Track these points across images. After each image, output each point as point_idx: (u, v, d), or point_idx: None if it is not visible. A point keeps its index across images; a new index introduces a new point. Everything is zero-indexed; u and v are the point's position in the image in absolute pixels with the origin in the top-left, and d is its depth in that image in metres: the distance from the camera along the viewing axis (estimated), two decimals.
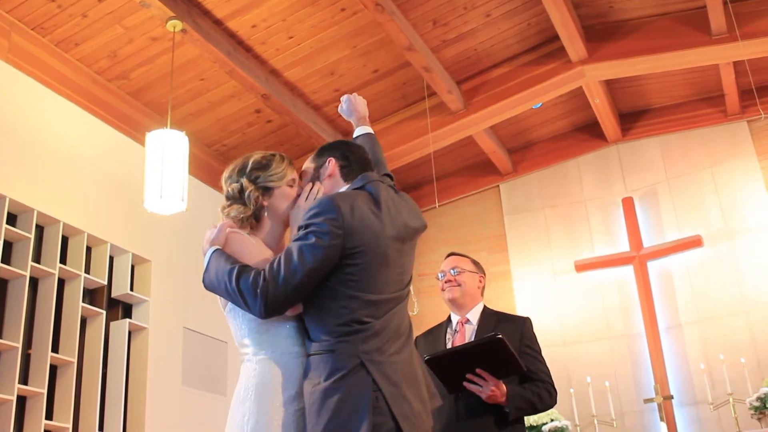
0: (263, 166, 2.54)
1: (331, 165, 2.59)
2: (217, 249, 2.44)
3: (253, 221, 2.54)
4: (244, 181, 2.52)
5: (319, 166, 2.62)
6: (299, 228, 2.37)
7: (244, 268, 2.32)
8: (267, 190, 2.52)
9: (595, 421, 6.61)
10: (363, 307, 2.31)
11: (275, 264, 2.30)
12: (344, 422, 2.19)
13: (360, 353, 2.26)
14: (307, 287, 2.29)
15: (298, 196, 2.56)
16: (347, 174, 2.58)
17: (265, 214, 2.54)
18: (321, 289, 2.33)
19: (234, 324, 2.45)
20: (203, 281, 2.45)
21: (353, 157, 2.62)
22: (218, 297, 2.50)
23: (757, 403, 5.89)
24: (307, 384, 2.29)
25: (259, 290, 2.26)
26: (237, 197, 2.53)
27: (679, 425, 6.62)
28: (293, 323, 2.39)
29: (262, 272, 2.29)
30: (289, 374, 2.33)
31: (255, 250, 2.46)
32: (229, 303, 2.44)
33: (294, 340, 2.38)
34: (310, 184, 2.58)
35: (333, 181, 2.58)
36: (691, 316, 6.96)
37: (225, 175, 2.59)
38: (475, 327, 3.51)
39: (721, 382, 6.35)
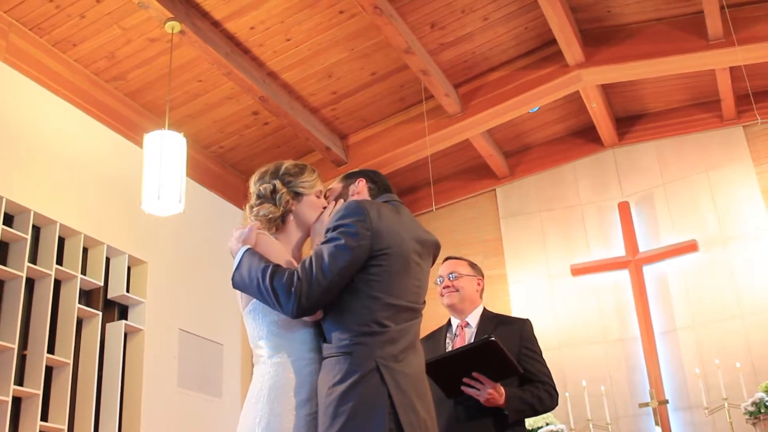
0: (296, 172, 2.66)
1: (361, 184, 2.72)
2: (249, 248, 2.49)
3: (279, 223, 2.62)
4: (277, 182, 2.62)
5: (348, 185, 2.75)
6: (327, 230, 2.45)
7: (278, 268, 2.39)
8: (297, 195, 2.63)
9: (591, 425, 6.61)
10: (382, 309, 2.37)
11: (307, 264, 2.37)
12: (359, 428, 2.21)
13: (376, 357, 2.30)
14: (337, 287, 2.36)
15: (324, 210, 2.66)
16: (374, 195, 2.71)
17: (291, 218, 2.63)
18: (343, 289, 2.39)
19: (253, 325, 2.50)
20: (233, 278, 2.49)
21: (380, 182, 2.76)
22: (239, 297, 2.55)
23: (752, 408, 5.89)
24: (321, 386, 2.33)
25: (293, 289, 2.31)
26: (268, 197, 2.62)
27: (674, 430, 6.62)
28: (310, 329, 2.45)
29: (296, 272, 2.35)
30: (303, 379, 2.37)
31: (281, 253, 2.53)
32: (250, 304, 2.49)
33: (310, 345, 2.43)
34: (334, 202, 2.70)
35: (360, 198, 2.67)
36: (686, 320, 6.98)
37: (255, 177, 2.69)
38: (475, 330, 3.51)
39: (716, 386, 6.36)
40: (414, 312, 2.49)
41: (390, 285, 2.40)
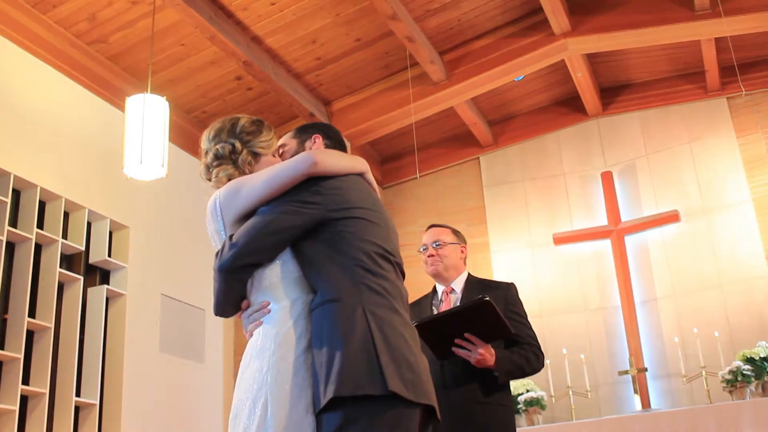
0: (254, 131, 2.53)
1: (318, 142, 2.64)
2: None
3: None
4: (237, 142, 2.50)
5: (303, 140, 2.66)
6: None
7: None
8: (256, 156, 2.51)
9: (570, 392, 6.68)
10: (365, 255, 2.29)
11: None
12: (351, 377, 2.13)
13: (364, 304, 2.22)
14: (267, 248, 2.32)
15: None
16: None
17: None
18: (321, 240, 2.31)
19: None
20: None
21: (335, 138, 2.70)
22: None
23: (729, 377, 5.98)
24: (313, 339, 2.24)
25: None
26: (227, 157, 2.49)
27: (651, 397, 6.71)
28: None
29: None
30: (307, 325, 2.27)
31: None
32: None
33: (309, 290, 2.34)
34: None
35: None
36: (666, 290, 7.04)
37: (210, 134, 2.55)
38: (460, 295, 3.53)
39: (694, 355, 6.44)
40: (398, 267, 2.41)
41: (372, 234, 2.33)
